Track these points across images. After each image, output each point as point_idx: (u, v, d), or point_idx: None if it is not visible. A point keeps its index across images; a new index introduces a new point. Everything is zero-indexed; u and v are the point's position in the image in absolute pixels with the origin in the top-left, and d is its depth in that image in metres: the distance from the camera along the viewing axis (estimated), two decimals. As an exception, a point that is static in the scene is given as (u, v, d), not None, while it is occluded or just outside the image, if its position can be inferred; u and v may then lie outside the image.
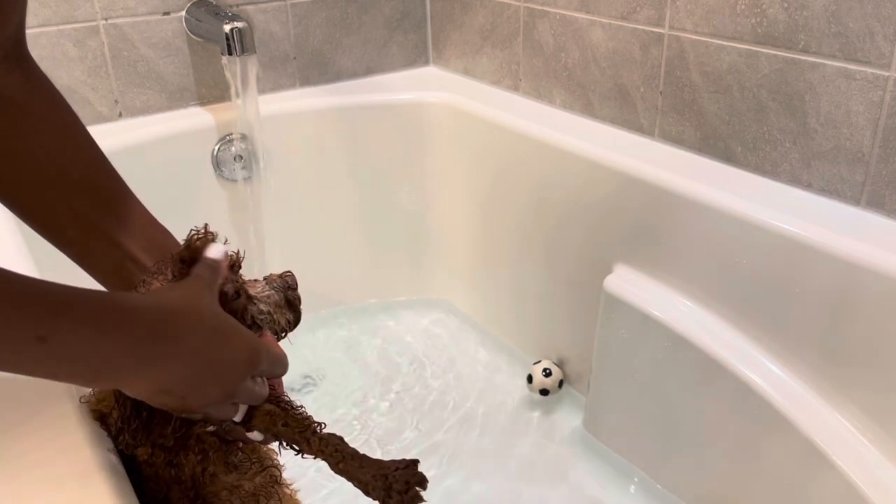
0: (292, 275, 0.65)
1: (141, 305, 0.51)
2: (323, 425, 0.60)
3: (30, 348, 0.44)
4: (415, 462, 0.56)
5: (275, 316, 0.62)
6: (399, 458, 0.57)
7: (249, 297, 0.60)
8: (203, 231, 0.59)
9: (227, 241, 0.61)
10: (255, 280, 0.64)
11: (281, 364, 0.60)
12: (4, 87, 0.60)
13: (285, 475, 0.67)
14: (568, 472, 1.34)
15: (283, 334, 0.65)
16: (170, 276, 0.57)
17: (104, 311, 0.48)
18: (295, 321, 0.65)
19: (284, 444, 0.60)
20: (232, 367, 0.55)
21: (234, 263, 0.60)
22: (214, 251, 0.58)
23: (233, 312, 0.57)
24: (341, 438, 0.59)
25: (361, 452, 0.58)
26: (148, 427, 0.56)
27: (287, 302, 0.64)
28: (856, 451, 0.96)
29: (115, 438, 0.58)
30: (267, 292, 0.62)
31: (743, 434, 1.11)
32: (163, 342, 0.50)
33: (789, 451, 1.03)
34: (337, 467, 0.57)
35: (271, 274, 0.65)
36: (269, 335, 0.63)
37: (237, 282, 0.59)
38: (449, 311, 1.76)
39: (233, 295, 0.58)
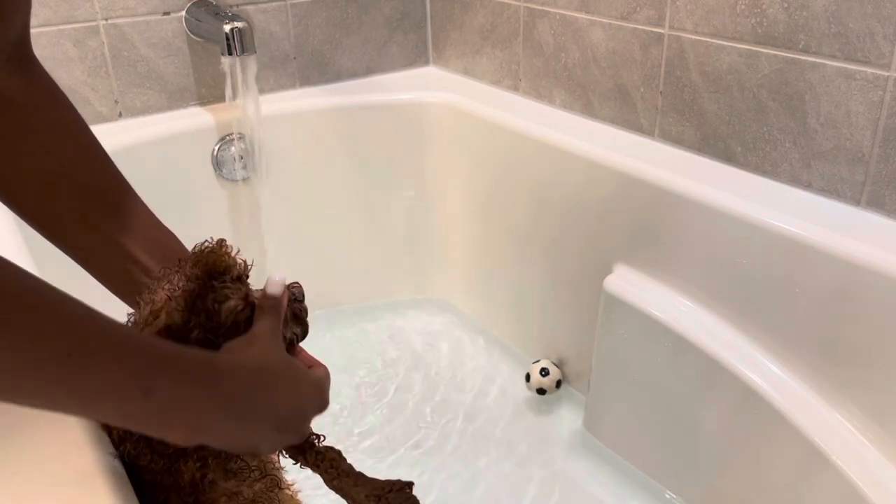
0: (300, 286, 0.64)
1: (233, 366, 0.53)
2: (322, 438, 0.60)
3: (134, 400, 0.45)
4: (409, 484, 0.56)
5: (282, 331, 0.61)
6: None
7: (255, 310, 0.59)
8: (212, 241, 0.59)
9: (239, 250, 0.61)
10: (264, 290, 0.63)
11: (328, 388, 0.62)
12: (9, 88, 0.60)
13: (287, 476, 0.67)
14: (568, 472, 1.34)
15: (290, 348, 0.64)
16: (180, 287, 0.56)
17: (203, 370, 0.50)
18: (302, 334, 0.64)
19: (282, 453, 0.60)
20: (307, 416, 0.58)
21: (242, 274, 0.59)
22: (274, 286, 0.59)
23: (235, 326, 0.57)
24: (339, 453, 0.59)
25: (357, 470, 0.58)
26: (148, 438, 0.56)
27: (294, 315, 0.63)
28: (856, 451, 0.96)
29: (117, 446, 0.58)
30: None
31: (743, 434, 1.11)
32: (252, 402, 0.52)
33: (789, 450, 1.03)
34: (332, 483, 0.58)
35: None
36: (302, 351, 0.63)
37: (244, 292, 0.58)
38: (449, 311, 1.76)
39: (287, 341, 0.60)
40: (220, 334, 0.55)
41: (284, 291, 0.59)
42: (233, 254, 0.59)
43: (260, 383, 0.53)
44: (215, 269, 0.57)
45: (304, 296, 0.64)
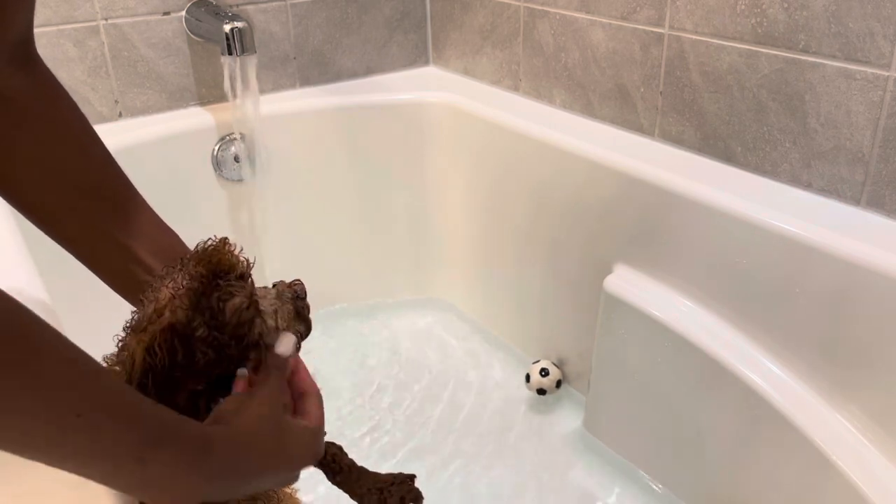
0: (302, 284, 0.64)
1: (227, 440, 0.53)
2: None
3: (130, 468, 0.45)
4: (411, 477, 0.56)
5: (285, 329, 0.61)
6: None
7: (258, 311, 0.59)
8: (215, 240, 0.59)
9: (241, 248, 0.61)
10: (265, 288, 0.62)
11: (321, 437, 0.62)
12: (12, 87, 0.60)
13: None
14: (568, 472, 1.34)
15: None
16: (183, 286, 0.56)
17: (199, 446, 0.50)
18: (306, 331, 0.64)
19: None
20: (300, 467, 0.58)
21: (245, 272, 0.59)
22: (284, 346, 0.58)
23: (240, 325, 0.56)
24: (340, 448, 0.59)
25: (359, 465, 0.58)
26: None
27: (297, 313, 0.62)
28: (856, 451, 0.96)
29: None
30: (276, 305, 0.61)
31: (742, 434, 1.11)
32: (242, 477, 0.53)
33: (789, 450, 1.03)
34: (334, 479, 0.58)
35: (281, 282, 0.64)
36: (298, 372, 0.63)
37: (249, 290, 0.58)
38: (449, 311, 1.76)
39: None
40: (225, 332, 0.55)
41: (295, 354, 0.59)
42: (236, 252, 0.59)
43: (253, 456, 0.53)
44: (219, 267, 0.57)
45: (306, 293, 0.64)
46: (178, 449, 0.48)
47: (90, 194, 0.63)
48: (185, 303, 0.55)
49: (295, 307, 0.62)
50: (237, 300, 0.56)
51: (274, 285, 0.63)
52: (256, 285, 0.61)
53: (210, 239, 0.59)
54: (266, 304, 0.60)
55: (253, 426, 0.54)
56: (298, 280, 0.64)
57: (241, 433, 0.54)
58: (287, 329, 0.60)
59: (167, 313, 0.55)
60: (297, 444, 0.57)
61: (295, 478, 0.59)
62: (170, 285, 0.57)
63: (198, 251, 0.58)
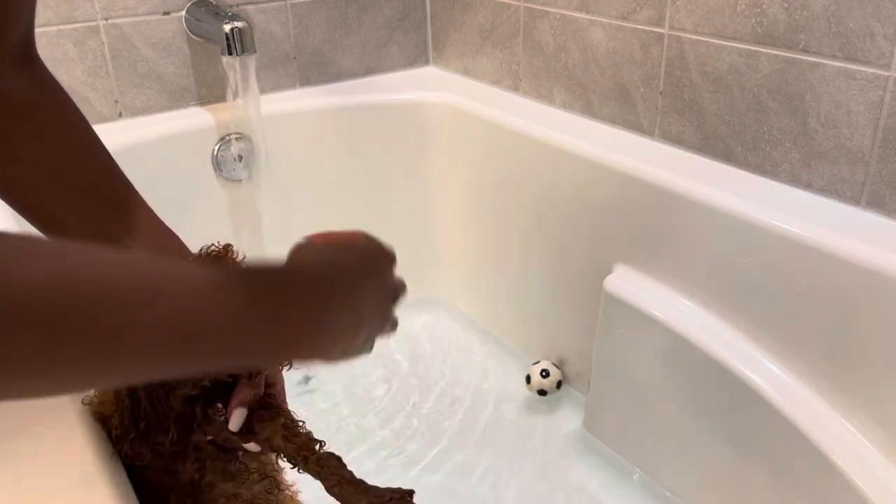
0: None
1: (300, 260, 0.51)
2: (322, 443, 0.60)
3: (229, 321, 0.41)
4: (410, 492, 0.56)
5: None
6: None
7: None
8: (218, 245, 0.59)
9: (245, 256, 0.60)
10: None
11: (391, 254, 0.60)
12: (13, 89, 0.60)
13: (287, 477, 0.67)
14: (568, 472, 1.34)
15: None
16: None
17: (283, 269, 0.48)
18: None
19: (282, 457, 0.59)
20: (383, 268, 0.57)
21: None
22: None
23: None
24: (339, 459, 0.59)
25: (358, 477, 0.58)
26: (145, 438, 0.56)
27: None
28: (856, 452, 0.96)
29: (115, 445, 0.58)
30: None
31: (743, 434, 1.11)
32: (345, 280, 0.51)
33: (789, 451, 1.03)
34: (332, 490, 0.57)
35: None
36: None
37: None
38: (449, 311, 1.76)
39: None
40: None
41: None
42: (238, 259, 0.59)
43: (336, 258, 0.52)
44: None
45: None
46: (266, 282, 0.45)
47: (90, 195, 0.63)
48: None
49: None
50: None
51: None
52: None
53: (213, 245, 0.59)
54: None
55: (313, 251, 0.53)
56: None
57: (309, 253, 0.53)
58: None
59: None
60: (364, 247, 0.57)
61: (391, 291, 0.56)
62: None
63: (201, 256, 0.58)
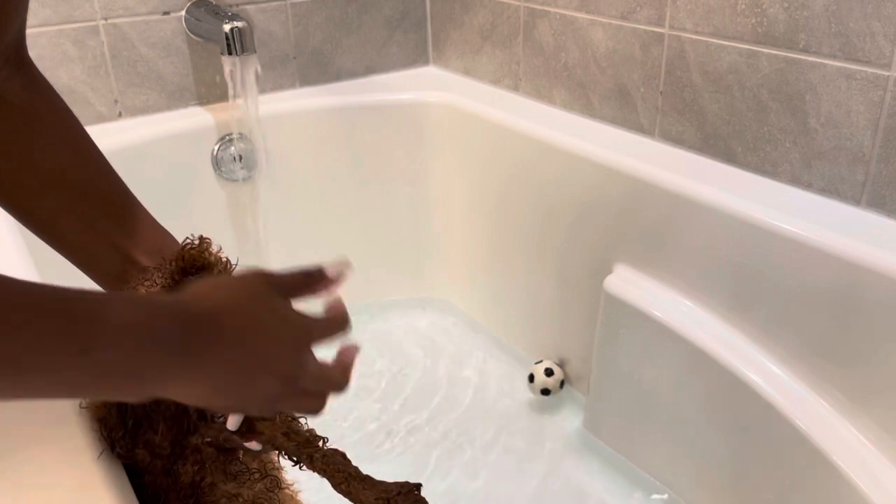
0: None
1: (178, 303, 0.48)
2: (326, 440, 0.60)
3: (72, 362, 0.40)
4: (418, 486, 0.56)
5: None
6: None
7: None
8: (197, 238, 0.59)
9: (220, 247, 0.60)
10: None
11: (339, 324, 0.54)
12: (6, 91, 0.60)
13: (287, 476, 0.67)
14: (568, 472, 1.34)
15: None
16: (158, 284, 0.56)
17: (140, 311, 0.44)
18: None
19: (285, 455, 0.59)
20: (278, 351, 0.50)
21: (223, 271, 0.59)
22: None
23: None
24: (344, 455, 0.58)
25: (364, 472, 0.57)
26: (134, 436, 0.55)
27: None
28: (857, 453, 0.96)
29: (111, 448, 0.57)
30: None
31: (743, 434, 1.11)
32: (205, 340, 0.46)
33: (790, 451, 1.03)
34: (339, 487, 0.57)
35: None
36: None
37: None
38: (449, 311, 1.76)
39: None
40: None
41: (336, 282, 0.55)
42: (213, 250, 0.59)
43: (210, 318, 0.47)
44: (193, 265, 0.57)
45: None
46: (116, 320, 0.42)
47: (85, 196, 0.63)
48: None
49: None
50: None
51: None
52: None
53: (188, 237, 0.59)
54: None
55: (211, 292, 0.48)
56: None
57: (204, 297, 0.48)
58: None
59: None
60: (274, 319, 0.50)
61: (291, 374, 0.50)
62: (146, 283, 0.57)
63: (178, 251, 0.59)
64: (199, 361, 0.46)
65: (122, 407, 0.55)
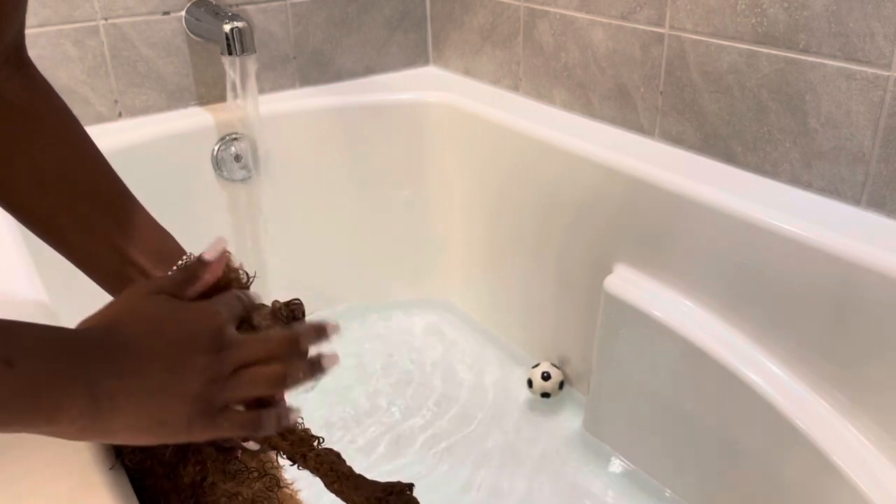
0: (300, 304, 0.61)
1: (83, 329, 0.49)
2: (321, 440, 0.60)
3: None
4: (410, 486, 0.56)
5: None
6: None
7: (251, 328, 0.58)
8: (190, 257, 0.59)
9: (241, 264, 0.60)
10: (262, 305, 0.60)
11: (235, 294, 0.55)
12: (5, 91, 0.60)
13: (286, 475, 0.67)
14: (568, 473, 1.34)
15: None
16: None
17: (50, 329, 0.45)
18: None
19: (281, 454, 0.59)
20: (188, 345, 0.50)
21: (245, 285, 0.59)
22: (211, 252, 0.57)
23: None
24: (338, 455, 0.59)
25: (357, 472, 0.57)
26: (146, 448, 0.56)
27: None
28: (857, 453, 0.96)
29: (116, 454, 0.58)
30: (268, 323, 0.59)
31: (743, 434, 1.11)
32: (121, 345, 0.47)
33: (789, 450, 1.03)
34: (331, 486, 0.57)
35: (276, 301, 0.61)
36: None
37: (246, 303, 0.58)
38: (449, 311, 1.76)
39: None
40: None
41: (219, 262, 0.56)
42: (235, 265, 0.59)
43: (114, 336, 0.48)
44: (218, 284, 0.57)
45: (304, 313, 0.61)
46: (35, 341, 0.43)
47: (85, 197, 0.63)
48: None
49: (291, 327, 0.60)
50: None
51: (272, 304, 0.61)
52: (256, 296, 0.60)
53: (184, 258, 0.59)
54: (259, 320, 0.59)
55: (111, 311, 0.50)
56: (297, 299, 0.62)
57: (108, 318, 0.49)
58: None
59: None
60: (174, 317, 0.50)
61: (212, 375, 0.49)
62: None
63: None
64: (121, 368, 0.46)
65: None
